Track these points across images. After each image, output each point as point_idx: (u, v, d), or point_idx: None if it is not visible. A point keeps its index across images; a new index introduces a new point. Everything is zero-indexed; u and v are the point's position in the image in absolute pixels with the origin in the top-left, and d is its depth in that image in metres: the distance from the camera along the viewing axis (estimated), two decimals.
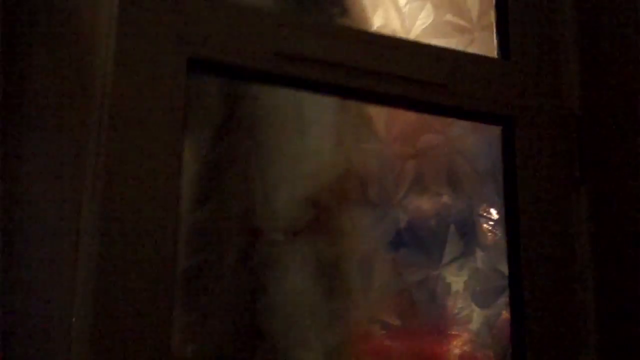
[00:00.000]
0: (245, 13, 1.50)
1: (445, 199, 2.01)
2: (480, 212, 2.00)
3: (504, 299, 1.89)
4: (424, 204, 1.98)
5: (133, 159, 1.34)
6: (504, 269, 1.92)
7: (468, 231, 1.98)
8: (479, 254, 1.97)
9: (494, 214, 1.99)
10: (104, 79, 1.34)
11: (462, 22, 2.03)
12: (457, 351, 1.87)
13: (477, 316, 1.90)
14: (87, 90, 1.37)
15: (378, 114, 1.95)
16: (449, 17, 2.06)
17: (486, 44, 1.90)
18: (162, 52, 1.38)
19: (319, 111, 1.86)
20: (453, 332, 1.89)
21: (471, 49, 1.96)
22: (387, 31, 2.00)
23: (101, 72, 1.35)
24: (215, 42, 1.44)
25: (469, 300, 1.92)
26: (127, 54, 1.36)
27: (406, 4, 2.07)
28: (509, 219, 1.53)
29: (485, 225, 1.99)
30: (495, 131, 1.85)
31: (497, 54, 1.64)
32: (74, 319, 1.26)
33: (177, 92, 1.36)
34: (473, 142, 2.04)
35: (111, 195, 1.31)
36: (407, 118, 1.98)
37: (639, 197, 1.41)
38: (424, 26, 2.04)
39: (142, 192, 1.34)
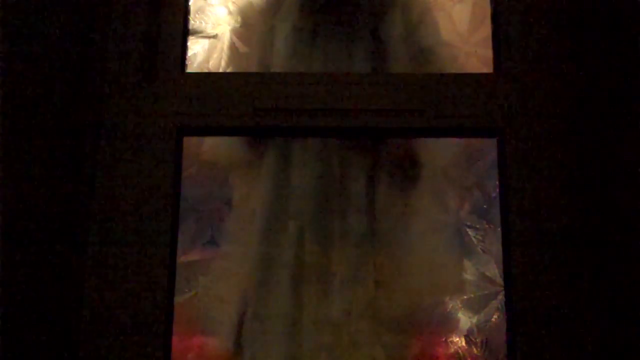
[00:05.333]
0: (226, 78, 1.70)
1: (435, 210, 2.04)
2: (469, 223, 2.04)
3: (494, 305, 1.93)
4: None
5: (129, 208, 1.55)
6: (493, 275, 1.97)
7: (456, 240, 2.02)
8: (468, 262, 2.00)
9: (482, 223, 2.02)
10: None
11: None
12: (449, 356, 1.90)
13: (467, 322, 1.93)
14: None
15: None
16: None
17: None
18: (154, 123, 1.59)
19: None
20: (444, 338, 1.92)
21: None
22: None
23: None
24: (201, 109, 1.62)
25: (460, 306, 1.95)
26: (125, 127, 1.59)
27: None
28: (505, 227, 1.54)
29: (473, 235, 2.02)
30: (484, 144, 1.90)
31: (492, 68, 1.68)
32: None
33: (169, 152, 1.58)
34: (461, 155, 2.08)
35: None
36: None
37: (631, 205, 1.41)
38: None
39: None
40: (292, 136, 1.95)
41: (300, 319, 1.83)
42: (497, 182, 1.64)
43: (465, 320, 1.94)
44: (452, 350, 1.92)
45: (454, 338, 1.93)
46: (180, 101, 1.61)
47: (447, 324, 1.93)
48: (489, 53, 1.70)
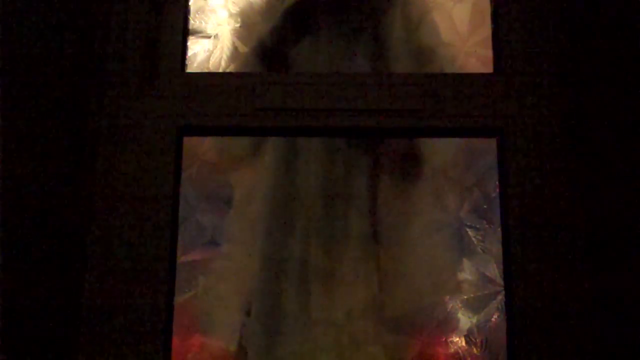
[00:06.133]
0: (226, 78, 1.70)
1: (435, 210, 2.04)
2: (469, 223, 2.04)
3: (494, 305, 1.94)
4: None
5: (129, 208, 1.54)
6: (493, 275, 1.97)
7: (457, 240, 2.02)
8: (468, 262, 2.01)
9: (482, 223, 2.03)
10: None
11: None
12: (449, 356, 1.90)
13: (467, 322, 1.94)
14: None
15: None
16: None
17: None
18: (154, 123, 1.59)
19: None
20: (444, 338, 1.92)
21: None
22: None
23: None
24: (203, 108, 1.61)
25: (460, 306, 1.95)
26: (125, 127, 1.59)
27: None
28: (505, 227, 1.54)
29: (473, 235, 2.02)
30: (484, 143, 1.90)
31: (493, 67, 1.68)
32: None
33: (169, 154, 1.58)
34: (461, 155, 2.08)
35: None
36: None
37: (632, 204, 1.42)
38: None
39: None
40: (292, 136, 1.95)
41: (300, 318, 1.83)
42: (497, 182, 1.64)
43: (465, 320, 1.95)
44: (452, 350, 1.92)
45: (454, 338, 1.93)
46: (180, 101, 1.61)
47: (447, 324, 1.93)
48: (489, 53, 1.70)
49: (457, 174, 2.09)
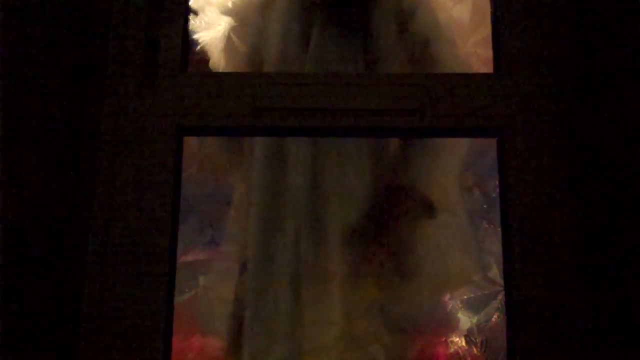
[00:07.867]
0: (226, 78, 1.69)
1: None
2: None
3: (494, 305, 1.94)
4: None
5: (129, 208, 1.54)
6: (493, 275, 1.98)
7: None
8: None
9: (482, 223, 2.03)
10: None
11: None
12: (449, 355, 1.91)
13: (467, 322, 1.94)
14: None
15: None
16: None
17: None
18: (154, 123, 1.59)
19: None
20: (444, 338, 1.92)
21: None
22: None
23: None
24: (203, 108, 1.61)
25: (460, 306, 1.96)
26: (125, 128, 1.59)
27: None
28: (505, 226, 1.54)
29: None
30: (484, 143, 1.90)
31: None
32: None
33: (169, 152, 1.58)
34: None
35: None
36: None
37: (631, 205, 1.43)
38: None
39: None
40: (292, 136, 1.95)
41: (300, 318, 1.83)
42: (497, 182, 1.64)
43: (465, 320, 1.95)
44: (452, 350, 1.92)
45: (454, 338, 1.94)
46: (180, 101, 1.61)
47: (447, 324, 1.94)
48: (489, 53, 1.70)
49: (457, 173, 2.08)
